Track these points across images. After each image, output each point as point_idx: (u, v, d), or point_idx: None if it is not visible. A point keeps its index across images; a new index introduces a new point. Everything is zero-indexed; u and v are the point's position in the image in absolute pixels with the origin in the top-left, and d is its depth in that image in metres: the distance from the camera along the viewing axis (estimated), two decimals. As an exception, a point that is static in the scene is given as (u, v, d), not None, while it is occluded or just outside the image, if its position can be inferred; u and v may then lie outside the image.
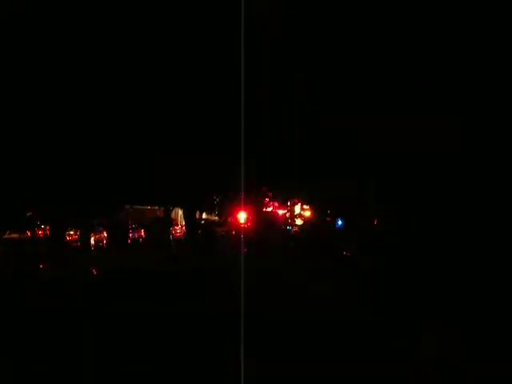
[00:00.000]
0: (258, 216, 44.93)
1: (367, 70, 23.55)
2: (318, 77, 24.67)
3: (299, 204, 54.53)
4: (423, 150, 22.60)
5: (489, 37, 21.60)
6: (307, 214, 52.68)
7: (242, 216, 54.05)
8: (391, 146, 22.95)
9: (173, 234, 45.07)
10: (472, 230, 22.88)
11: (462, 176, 23.21)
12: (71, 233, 37.85)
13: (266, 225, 45.16)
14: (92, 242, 37.68)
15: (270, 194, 46.91)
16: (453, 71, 22.29)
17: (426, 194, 24.39)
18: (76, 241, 37.31)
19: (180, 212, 48.12)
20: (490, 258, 21.02)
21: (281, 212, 54.33)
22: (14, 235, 35.46)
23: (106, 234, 39.81)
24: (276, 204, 52.34)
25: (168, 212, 42.90)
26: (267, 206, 49.30)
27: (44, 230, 37.93)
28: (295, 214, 55.87)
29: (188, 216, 43.34)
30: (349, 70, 24.00)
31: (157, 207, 45.93)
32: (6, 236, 35.38)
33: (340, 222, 42.88)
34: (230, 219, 54.74)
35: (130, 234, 42.91)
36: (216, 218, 52.70)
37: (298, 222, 54.60)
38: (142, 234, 43.88)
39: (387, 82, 23.33)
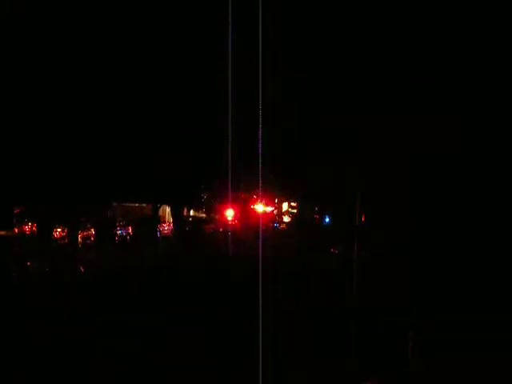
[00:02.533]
0: (246, 213, 44.90)
1: (365, 69, 23.55)
2: (314, 76, 24.67)
3: (287, 201, 54.50)
4: (421, 150, 22.59)
5: (489, 36, 21.61)
6: (295, 211, 52.67)
7: (229, 213, 53.89)
8: (387, 145, 22.95)
9: (160, 231, 44.97)
10: (467, 230, 22.81)
11: (459, 175, 23.15)
12: (59, 230, 37.69)
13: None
14: (79, 239, 37.56)
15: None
16: (452, 71, 22.27)
17: (419, 190, 24.38)
18: (63, 238, 37.17)
19: (168, 209, 48.03)
20: (488, 262, 20.83)
21: (268, 209, 54.30)
22: (1, 232, 35.27)
23: (93, 232, 39.68)
24: (264, 201, 52.31)
25: (156, 209, 42.80)
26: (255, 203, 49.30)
27: (31, 227, 37.77)
28: (283, 211, 55.86)
29: (176, 213, 43.30)
30: (345, 68, 24.00)
31: (145, 204, 45.82)
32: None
33: (327, 219, 42.89)
34: (217, 216, 54.67)
35: (118, 231, 42.79)
36: (204, 215, 52.64)
37: (286, 219, 54.60)
38: (130, 231, 43.72)
39: (385, 81, 23.32)
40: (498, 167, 21.90)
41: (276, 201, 53.64)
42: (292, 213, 53.03)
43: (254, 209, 45.84)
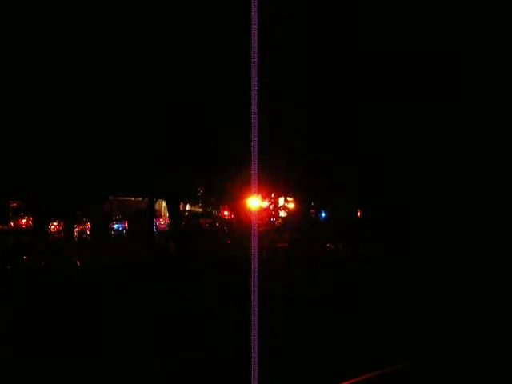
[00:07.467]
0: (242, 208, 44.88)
1: None
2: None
3: (283, 196, 54.46)
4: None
5: None
6: (291, 206, 52.63)
7: (226, 208, 53.70)
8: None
9: (156, 226, 44.89)
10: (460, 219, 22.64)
11: (455, 172, 22.97)
12: (55, 224, 37.61)
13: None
14: (75, 233, 37.47)
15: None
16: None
17: (413, 185, 24.32)
18: (59, 232, 37.10)
19: (164, 204, 47.95)
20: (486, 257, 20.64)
21: (264, 204, 54.28)
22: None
23: (89, 226, 39.59)
24: (260, 196, 52.29)
25: (152, 204, 42.74)
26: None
27: (27, 221, 37.70)
28: (279, 206, 55.81)
29: (172, 208, 43.21)
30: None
31: (141, 199, 45.75)
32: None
33: (323, 214, 42.91)
34: (214, 211, 54.61)
35: (114, 226, 42.72)
36: (200, 209, 52.60)
37: (282, 214, 54.56)
38: (126, 225, 43.63)
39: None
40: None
41: (272, 195, 53.63)
42: (288, 208, 53.02)
43: (249, 204, 45.84)
